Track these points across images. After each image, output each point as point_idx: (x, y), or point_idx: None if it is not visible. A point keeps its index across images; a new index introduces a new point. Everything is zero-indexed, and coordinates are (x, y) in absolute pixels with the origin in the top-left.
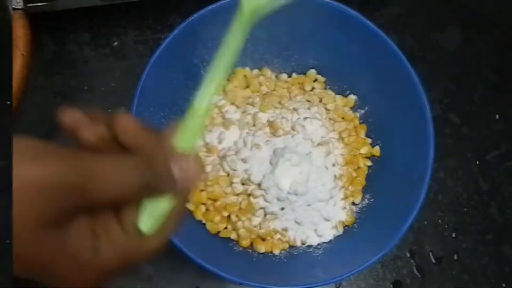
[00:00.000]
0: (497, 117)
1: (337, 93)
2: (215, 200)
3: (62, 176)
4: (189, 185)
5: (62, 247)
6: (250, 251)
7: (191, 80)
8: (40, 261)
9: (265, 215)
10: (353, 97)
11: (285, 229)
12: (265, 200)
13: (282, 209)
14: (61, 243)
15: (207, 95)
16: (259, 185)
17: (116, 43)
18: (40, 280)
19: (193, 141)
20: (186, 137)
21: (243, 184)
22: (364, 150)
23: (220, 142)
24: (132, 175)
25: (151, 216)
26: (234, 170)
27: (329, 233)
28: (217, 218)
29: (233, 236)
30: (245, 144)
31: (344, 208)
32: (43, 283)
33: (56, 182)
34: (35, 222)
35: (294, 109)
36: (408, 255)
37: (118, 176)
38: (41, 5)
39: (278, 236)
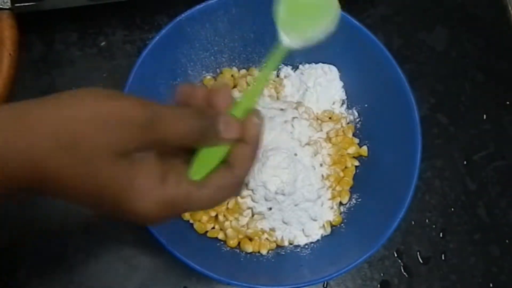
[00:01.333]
0: (484, 117)
1: None
2: None
3: (136, 113)
4: (229, 138)
5: (132, 176)
6: (238, 251)
7: (179, 79)
8: (111, 187)
9: (253, 215)
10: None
11: (273, 229)
12: (253, 200)
13: (270, 209)
14: (132, 172)
15: (268, 70)
16: (246, 185)
17: (103, 43)
18: (104, 210)
19: (250, 105)
20: (244, 102)
21: None
22: (352, 150)
23: None
24: (190, 120)
25: (202, 164)
26: None
27: (316, 233)
28: (205, 218)
29: (221, 236)
30: None
31: (332, 208)
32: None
33: (131, 118)
34: (111, 149)
35: (282, 109)
36: (396, 255)
37: (181, 120)
38: (28, 5)
39: (265, 236)
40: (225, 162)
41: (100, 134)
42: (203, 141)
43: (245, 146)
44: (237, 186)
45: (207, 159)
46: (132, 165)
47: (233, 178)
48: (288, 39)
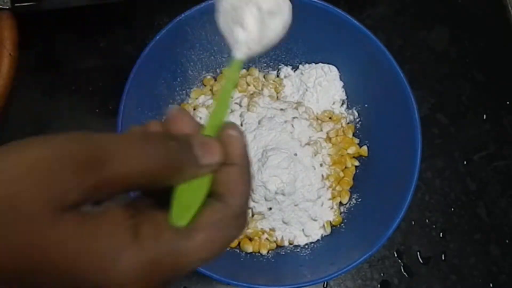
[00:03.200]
0: (484, 117)
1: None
2: None
3: (70, 151)
4: (213, 163)
5: (89, 235)
6: (238, 251)
7: (179, 79)
8: (64, 258)
9: (253, 215)
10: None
11: (273, 229)
12: (253, 200)
13: (270, 209)
14: (87, 230)
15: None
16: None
17: (103, 43)
18: None
19: (220, 122)
20: (212, 119)
21: None
22: (352, 150)
23: None
24: (153, 148)
25: (183, 204)
26: None
27: (316, 233)
28: None
29: None
30: None
31: (332, 208)
32: None
33: (64, 158)
34: (49, 204)
35: (282, 109)
36: (396, 255)
37: (139, 148)
38: (28, 5)
39: (265, 236)
40: (212, 196)
41: (29, 190)
42: (176, 174)
43: (233, 168)
44: (238, 220)
45: (189, 197)
46: (86, 221)
47: (230, 210)
48: (239, 51)
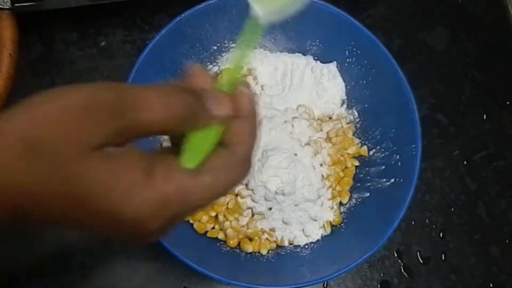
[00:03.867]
0: (484, 117)
1: None
2: None
3: (100, 97)
4: (222, 115)
5: (111, 170)
6: (238, 251)
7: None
8: (89, 189)
9: (253, 215)
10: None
11: (273, 229)
12: (253, 200)
13: (270, 209)
14: (110, 166)
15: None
16: (246, 185)
17: (103, 43)
18: (75, 223)
19: (235, 80)
20: (227, 77)
21: None
22: (352, 150)
23: None
24: (171, 98)
25: (194, 150)
26: None
27: (316, 233)
28: (205, 218)
29: (221, 236)
30: None
31: (332, 208)
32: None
33: (95, 103)
34: (80, 144)
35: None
36: (396, 255)
37: (161, 99)
38: (28, 5)
39: (265, 236)
40: (221, 145)
41: (62, 131)
42: (190, 123)
43: (242, 120)
44: (241, 166)
45: (199, 143)
46: (109, 159)
47: (235, 157)
48: (261, 12)
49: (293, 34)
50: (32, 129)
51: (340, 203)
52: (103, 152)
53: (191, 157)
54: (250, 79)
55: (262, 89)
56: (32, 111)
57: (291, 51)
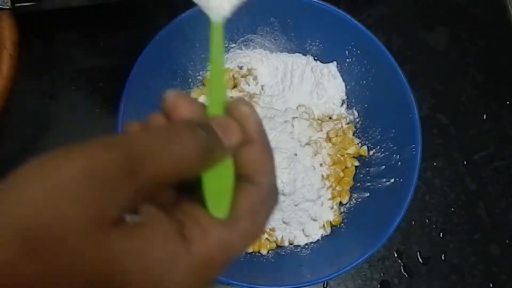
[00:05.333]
0: (484, 117)
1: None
2: None
3: (110, 157)
4: (234, 143)
5: (142, 247)
6: None
7: (178, 79)
8: (112, 275)
9: None
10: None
11: (273, 229)
12: None
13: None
14: (139, 243)
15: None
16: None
17: (103, 42)
18: None
19: (222, 95)
20: (213, 99)
21: None
22: (352, 150)
23: None
24: (185, 136)
25: (216, 194)
26: None
27: (316, 233)
28: None
29: None
30: None
31: (332, 208)
32: None
33: (106, 167)
34: (94, 222)
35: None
36: (396, 255)
37: (171, 142)
38: (28, 5)
39: (265, 236)
40: (240, 180)
41: (71, 211)
42: (207, 160)
43: (253, 146)
44: (272, 197)
45: (218, 184)
46: (136, 232)
47: (262, 190)
48: (214, 11)
49: (293, 34)
50: (32, 218)
51: (340, 203)
52: (124, 225)
53: (217, 203)
54: (250, 79)
55: (262, 89)
56: (27, 191)
57: (291, 51)
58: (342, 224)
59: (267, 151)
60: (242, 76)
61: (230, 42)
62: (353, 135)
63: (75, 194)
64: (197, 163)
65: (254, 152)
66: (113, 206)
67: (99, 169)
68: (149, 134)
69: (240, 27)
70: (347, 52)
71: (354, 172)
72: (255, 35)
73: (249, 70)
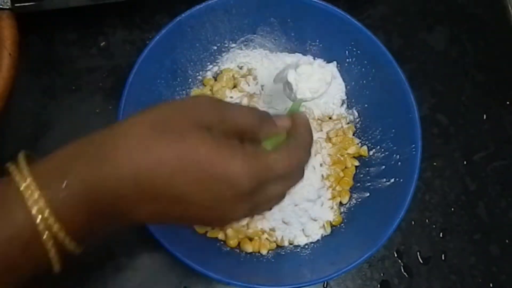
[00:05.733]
0: (484, 117)
1: None
2: None
3: (212, 109)
4: (284, 125)
5: (219, 148)
6: (238, 251)
7: (178, 79)
8: (165, 173)
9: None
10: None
11: (273, 229)
12: None
13: (270, 209)
14: (218, 144)
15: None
16: None
17: (103, 42)
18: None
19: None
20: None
21: None
22: (352, 150)
23: None
24: (250, 111)
25: (270, 142)
26: None
27: (316, 233)
28: None
29: (221, 236)
30: None
31: (332, 208)
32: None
33: (210, 116)
34: (199, 124)
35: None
36: (396, 255)
37: (245, 112)
38: (28, 5)
39: (265, 236)
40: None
41: (188, 118)
42: (262, 125)
43: (301, 129)
44: (304, 149)
45: (273, 141)
46: (219, 138)
47: (298, 141)
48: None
49: (293, 34)
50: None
51: (340, 203)
52: (216, 132)
53: (268, 144)
54: (250, 79)
55: (262, 89)
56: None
57: (291, 51)
58: (342, 224)
59: (308, 128)
60: (242, 76)
61: (230, 42)
62: (353, 135)
63: (188, 111)
64: (255, 124)
65: (299, 129)
66: (210, 122)
67: (204, 118)
68: (235, 105)
69: (240, 27)
70: (347, 52)
71: (354, 172)
72: (255, 35)
73: (249, 70)
